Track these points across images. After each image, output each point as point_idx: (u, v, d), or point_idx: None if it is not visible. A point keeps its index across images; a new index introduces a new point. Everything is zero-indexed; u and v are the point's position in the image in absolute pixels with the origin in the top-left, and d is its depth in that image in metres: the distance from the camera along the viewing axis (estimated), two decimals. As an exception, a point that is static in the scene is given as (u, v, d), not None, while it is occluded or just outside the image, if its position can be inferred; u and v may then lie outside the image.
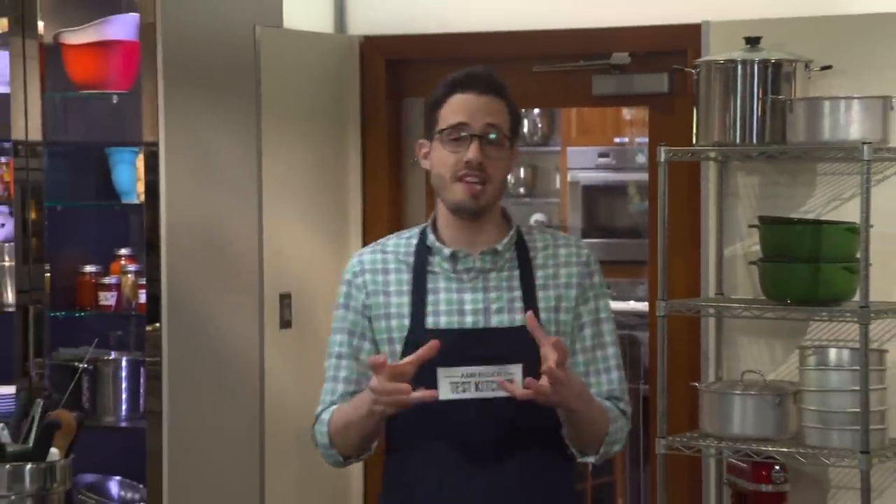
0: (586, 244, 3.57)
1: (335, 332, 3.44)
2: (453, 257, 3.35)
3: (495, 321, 3.32)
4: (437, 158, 3.32)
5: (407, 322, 3.34)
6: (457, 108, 3.30)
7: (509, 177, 9.10)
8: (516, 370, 3.13)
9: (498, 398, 3.16)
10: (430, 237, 3.38)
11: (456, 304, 3.33)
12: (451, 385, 3.16)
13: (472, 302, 3.33)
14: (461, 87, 3.32)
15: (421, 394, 3.10)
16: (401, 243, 3.43)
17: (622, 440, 3.40)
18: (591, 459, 3.38)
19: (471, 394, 3.16)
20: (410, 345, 3.27)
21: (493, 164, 3.29)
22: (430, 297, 3.34)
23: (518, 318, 3.27)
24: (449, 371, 3.15)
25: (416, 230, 3.46)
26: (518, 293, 3.35)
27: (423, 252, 3.39)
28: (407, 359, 3.14)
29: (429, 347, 3.11)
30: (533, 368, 3.11)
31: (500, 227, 3.40)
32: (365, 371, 3.32)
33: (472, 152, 3.25)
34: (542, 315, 3.30)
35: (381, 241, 3.48)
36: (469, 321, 3.32)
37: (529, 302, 3.32)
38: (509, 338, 3.26)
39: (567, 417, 3.24)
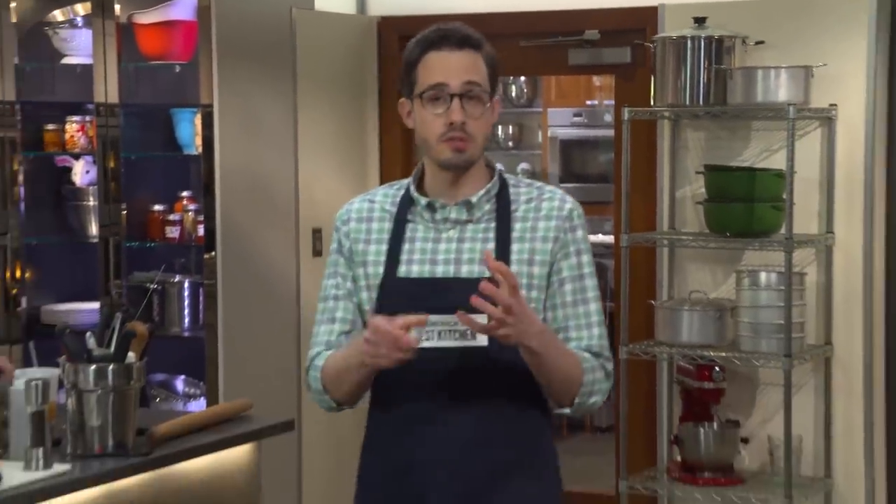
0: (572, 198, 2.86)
1: (329, 277, 2.93)
2: (430, 207, 2.81)
3: (465, 271, 2.75)
4: (420, 120, 2.78)
5: (381, 270, 2.82)
6: (433, 67, 2.75)
7: (500, 130, 9.25)
8: (480, 320, 2.60)
9: (462, 348, 2.69)
10: (412, 188, 2.85)
11: (430, 254, 2.79)
12: (416, 332, 2.63)
13: (445, 252, 2.78)
14: (435, 46, 2.76)
15: (400, 356, 2.61)
16: (389, 193, 2.91)
17: (601, 393, 2.78)
18: (567, 411, 2.79)
19: (434, 342, 2.66)
20: (382, 292, 2.80)
21: (475, 122, 2.74)
22: (406, 246, 2.81)
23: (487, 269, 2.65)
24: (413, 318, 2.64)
25: (406, 181, 2.91)
26: (492, 245, 2.77)
27: (406, 202, 2.85)
28: (401, 318, 2.62)
29: (419, 318, 2.62)
30: None
31: (483, 179, 2.84)
32: (358, 312, 2.89)
33: (455, 114, 2.72)
34: (514, 267, 2.73)
35: (372, 191, 2.98)
36: (440, 271, 2.77)
37: (502, 254, 2.76)
38: (476, 288, 2.57)
39: (531, 361, 2.68)
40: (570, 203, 2.84)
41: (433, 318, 2.64)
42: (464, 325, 2.62)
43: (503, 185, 2.84)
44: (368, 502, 2.90)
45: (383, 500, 2.84)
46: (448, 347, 2.68)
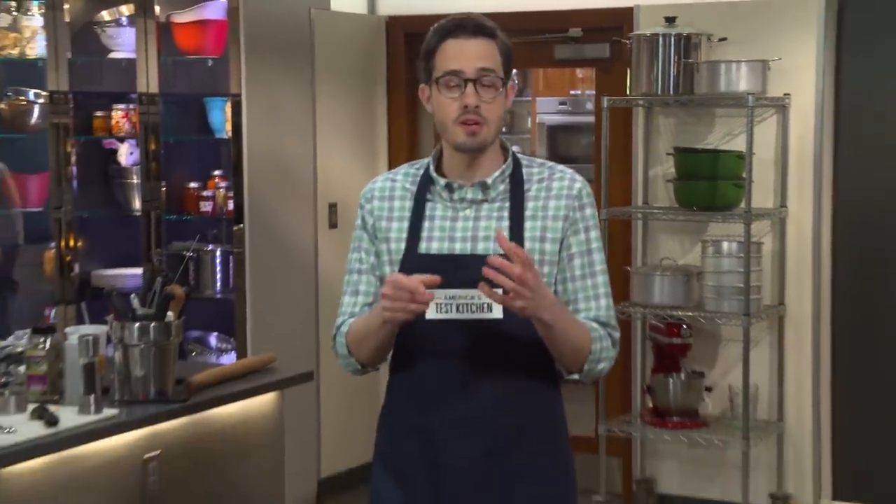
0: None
1: (353, 251, 2.75)
2: (449, 188, 2.64)
3: (481, 248, 2.59)
4: (437, 104, 2.61)
5: (403, 246, 2.65)
6: (450, 54, 2.58)
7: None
8: (496, 293, 2.45)
9: (478, 321, 2.51)
10: (431, 169, 2.68)
11: (448, 232, 2.62)
12: (436, 306, 2.48)
13: (463, 230, 2.62)
14: (451, 34, 2.59)
15: (416, 307, 2.47)
16: (410, 173, 2.72)
17: (608, 360, 2.63)
18: (576, 377, 2.64)
19: (452, 314, 2.48)
20: (404, 267, 2.62)
21: (488, 105, 2.57)
22: (426, 224, 2.64)
23: None
24: (438, 292, 2.48)
25: (425, 161, 2.72)
26: (506, 223, 2.61)
27: (426, 182, 2.68)
28: (417, 276, 2.48)
29: (432, 278, 2.48)
30: None
31: (497, 160, 2.66)
32: (380, 285, 2.68)
33: (469, 97, 2.55)
34: (527, 244, 2.59)
35: (395, 169, 2.77)
36: (458, 248, 2.61)
37: (516, 231, 2.60)
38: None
39: (544, 332, 2.53)
40: (579, 182, 2.66)
41: (452, 291, 2.48)
42: (481, 299, 2.46)
43: (517, 166, 2.67)
44: (386, 465, 2.73)
45: (401, 464, 2.69)
46: (465, 319, 2.51)
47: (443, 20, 2.65)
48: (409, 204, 2.68)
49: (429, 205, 2.66)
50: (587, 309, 2.62)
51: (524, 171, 2.67)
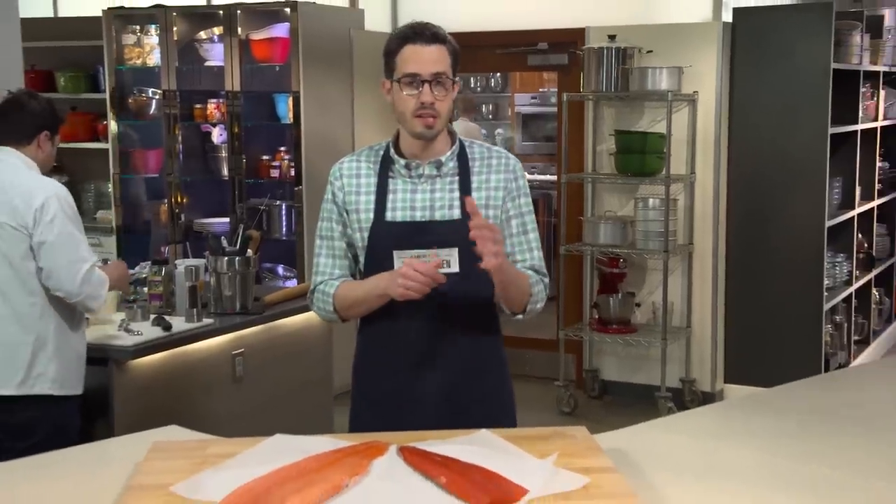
0: (520, 150, 2.48)
1: (325, 220, 2.42)
2: (407, 166, 2.36)
3: (438, 215, 2.32)
4: (397, 99, 2.33)
5: (371, 216, 2.34)
6: (409, 58, 2.29)
7: (483, 108, 9.17)
8: (453, 252, 2.26)
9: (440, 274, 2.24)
10: (392, 150, 2.38)
11: (409, 203, 2.34)
12: (399, 261, 2.25)
13: (422, 201, 2.34)
14: (410, 40, 2.30)
15: (429, 290, 2.20)
16: (371, 154, 2.41)
17: (542, 301, 2.40)
18: (519, 317, 2.39)
19: None
20: (374, 233, 2.34)
21: (441, 102, 2.30)
22: (390, 196, 2.35)
23: (456, 213, 2.32)
24: (402, 253, 2.26)
25: (384, 143, 2.43)
26: (457, 194, 2.34)
27: (387, 161, 2.38)
28: (431, 264, 2.22)
29: (437, 263, 2.24)
30: (465, 252, 2.23)
31: (446, 142, 2.39)
32: (350, 249, 2.40)
33: (425, 96, 2.28)
34: None
35: (358, 151, 2.45)
36: (419, 216, 2.32)
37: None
38: (448, 228, 2.29)
39: (500, 280, 2.25)
40: (513, 159, 2.44)
41: (418, 251, 2.25)
42: (440, 256, 2.24)
43: (461, 147, 2.42)
44: (364, 398, 2.43)
45: (378, 397, 2.40)
46: None
47: (402, 27, 2.35)
48: (374, 180, 2.37)
49: (391, 180, 2.37)
50: (523, 259, 2.40)
51: (467, 150, 2.41)
